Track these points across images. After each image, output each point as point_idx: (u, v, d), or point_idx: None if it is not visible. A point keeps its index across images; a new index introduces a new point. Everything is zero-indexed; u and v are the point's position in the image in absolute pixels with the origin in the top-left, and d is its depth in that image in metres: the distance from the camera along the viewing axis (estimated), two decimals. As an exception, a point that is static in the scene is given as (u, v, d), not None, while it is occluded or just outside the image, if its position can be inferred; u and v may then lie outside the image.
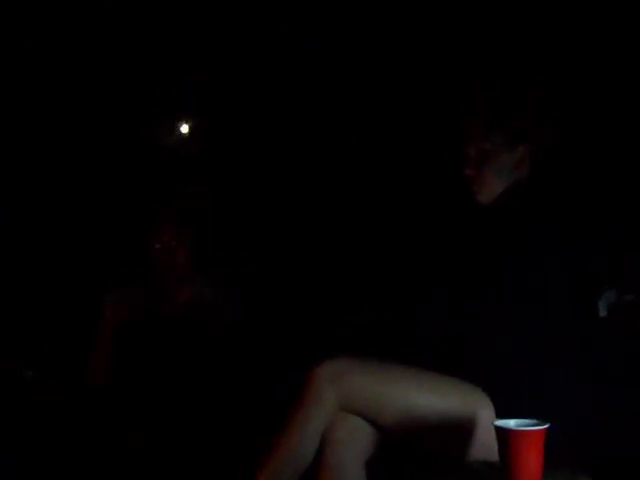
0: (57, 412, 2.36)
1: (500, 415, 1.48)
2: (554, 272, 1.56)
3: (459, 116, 1.75)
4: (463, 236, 1.83)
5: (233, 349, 2.42)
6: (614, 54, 2.11)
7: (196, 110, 3.20)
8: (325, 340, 2.49)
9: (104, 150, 3.10)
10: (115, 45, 2.92)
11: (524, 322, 1.56)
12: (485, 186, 1.70)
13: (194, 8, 2.80)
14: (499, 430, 1.25)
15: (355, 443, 1.51)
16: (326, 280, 2.82)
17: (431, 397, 1.50)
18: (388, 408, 1.50)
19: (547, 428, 1.23)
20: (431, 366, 1.58)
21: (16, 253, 2.97)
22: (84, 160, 3.09)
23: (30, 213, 3.04)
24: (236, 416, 2.29)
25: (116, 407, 2.34)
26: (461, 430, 1.48)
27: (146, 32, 2.89)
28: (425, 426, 1.48)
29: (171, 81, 3.01)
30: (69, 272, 2.95)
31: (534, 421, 1.25)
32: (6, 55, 2.86)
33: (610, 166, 2.00)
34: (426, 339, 1.78)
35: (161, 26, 2.87)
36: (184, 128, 3.25)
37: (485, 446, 1.45)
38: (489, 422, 1.36)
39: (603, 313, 1.68)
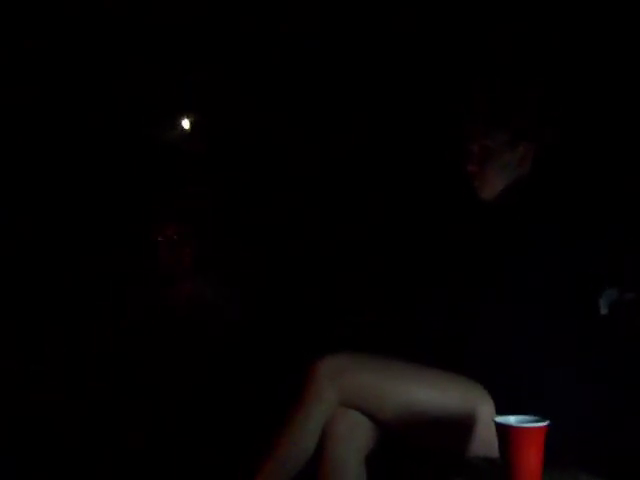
0: (57, 412, 2.36)
1: (500, 412, 1.48)
2: (554, 272, 1.56)
3: (459, 116, 1.75)
4: (463, 236, 1.83)
5: (233, 349, 2.42)
6: (614, 54, 2.11)
7: (196, 110, 3.20)
8: (325, 340, 2.49)
9: (104, 150, 3.09)
10: (115, 45, 2.92)
11: (524, 322, 1.56)
12: (487, 183, 1.70)
13: (194, 8, 2.80)
14: (499, 426, 1.25)
15: (355, 438, 1.52)
16: (326, 280, 2.82)
17: (431, 393, 1.51)
18: (388, 404, 1.50)
19: (547, 425, 1.23)
20: (431, 366, 1.58)
21: (16, 253, 2.97)
22: (84, 160, 3.08)
23: (30, 213, 3.04)
24: (236, 416, 2.29)
25: (116, 407, 2.34)
26: (461, 426, 1.49)
27: (146, 32, 2.89)
28: (425, 422, 1.49)
29: (171, 81, 3.01)
30: (69, 272, 2.95)
31: (534, 418, 1.25)
32: (6, 55, 2.86)
33: (610, 166, 1.99)
34: (426, 339, 1.78)
35: (161, 26, 2.87)
36: (184, 128, 3.24)
37: (485, 442, 1.45)
38: (489, 418, 1.36)
39: (604, 311, 1.68)
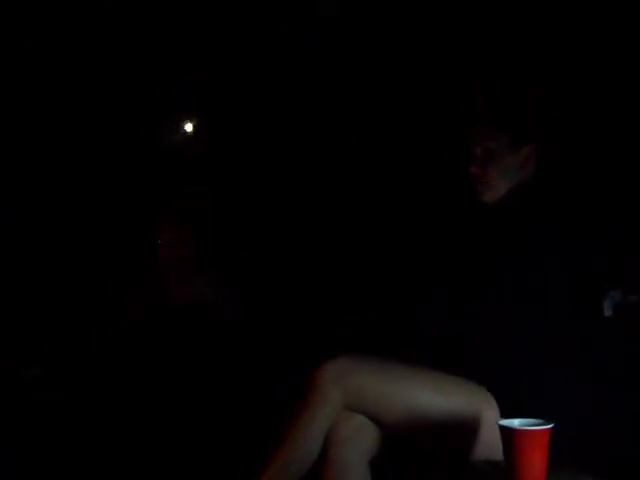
0: (57, 412, 2.36)
1: (500, 413, 1.48)
2: (554, 272, 1.56)
3: (459, 116, 1.75)
4: (463, 236, 1.83)
5: (233, 349, 2.42)
6: (614, 54, 2.11)
7: (196, 110, 3.20)
8: (325, 340, 2.49)
9: (104, 150, 3.09)
10: (115, 45, 2.92)
11: (524, 322, 1.56)
12: (490, 185, 1.69)
13: (194, 8, 2.80)
14: (503, 430, 1.25)
15: (359, 442, 1.51)
16: (326, 280, 2.82)
17: (435, 396, 1.50)
18: (393, 407, 1.50)
19: (552, 428, 1.22)
20: (431, 366, 1.58)
21: (16, 253, 2.97)
22: (84, 160, 3.08)
23: (30, 213, 3.04)
24: (236, 416, 2.29)
25: (116, 407, 2.34)
26: (465, 429, 1.48)
27: (146, 32, 2.89)
28: (429, 425, 1.49)
29: (171, 81, 3.01)
30: (69, 272, 2.95)
31: (539, 421, 1.25)
32: (6, 55, 2.86)
33: (610, 166, 1.99)
34: (426, 339, 1.78)
35: (161, 26, 2.87)
36: (184, 128, 3.24)
37: (489, 445, 1.45)
38: (493, 421, 1.36)
39: (608, 313, 1.68)
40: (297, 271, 2.91)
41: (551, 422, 1.23)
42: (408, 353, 1.65)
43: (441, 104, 2.42)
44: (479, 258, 1.68)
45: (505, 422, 1.26)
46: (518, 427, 1.24)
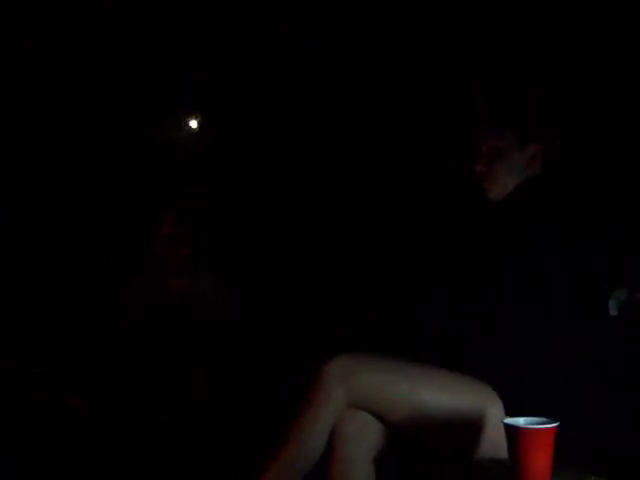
0: (57, 412, 2.36)
1: (505, 413, 1.48)
2: (554, 272, 1.56)
3: (459, 115, 1.75)
4: (463, 236, 1.83)
5: (233, 349, 2.42)
6: (614, 54, 2.11)
7: (196, 110, 3.20)
8: (325, 340, 2.49)
9: (104, 150, 3.10)
10: (115, 45, 2.92)
11: (524, 322, 1.56)
12: (496, 183, 1.69)
13: (194, 8, 2.80)
14: (508, 428, 1.25)
15: (364, 439, 1.51)
16: (326, 280, 2.82)
17: (440, 394, 1.50)
18: (398, 405, 1.50)
19: (557, 426, 1.22)
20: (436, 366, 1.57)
21: (16, 253, 2.97)
22: (84, 160, 3.09)
23: (30, 213, 3.04)
24: (236, 416, 2.29)
25: (116, 406, 2.34)
26: (470, 427, 1.48)
27: (146, 32, 2.89)
28: (434, 423, 1.48)
29: (171, 81, 3.01)
30: (69, 272, 2.95)
31: (544, 419, 1.25)
32: (6, 55, 2.86)
33: (610, 166, 1.99)
34: (426, 339, 1.78)
35: (161, 26, 2.87)
36: (184, 128, 3.24)
37: (494, 444, 1.45)
38: (498, 420, 1.35)
39: (614, 312, 1.67)
40: (297, 271, 2.91)
41: (556, 421, 1.23)
42: (408, 353, 1.65)
43: (441, 104, 2.43)
44: (479, 258, 1.68)
45: (510, 420, 1.26)
46: (523, 426, 1.24)
